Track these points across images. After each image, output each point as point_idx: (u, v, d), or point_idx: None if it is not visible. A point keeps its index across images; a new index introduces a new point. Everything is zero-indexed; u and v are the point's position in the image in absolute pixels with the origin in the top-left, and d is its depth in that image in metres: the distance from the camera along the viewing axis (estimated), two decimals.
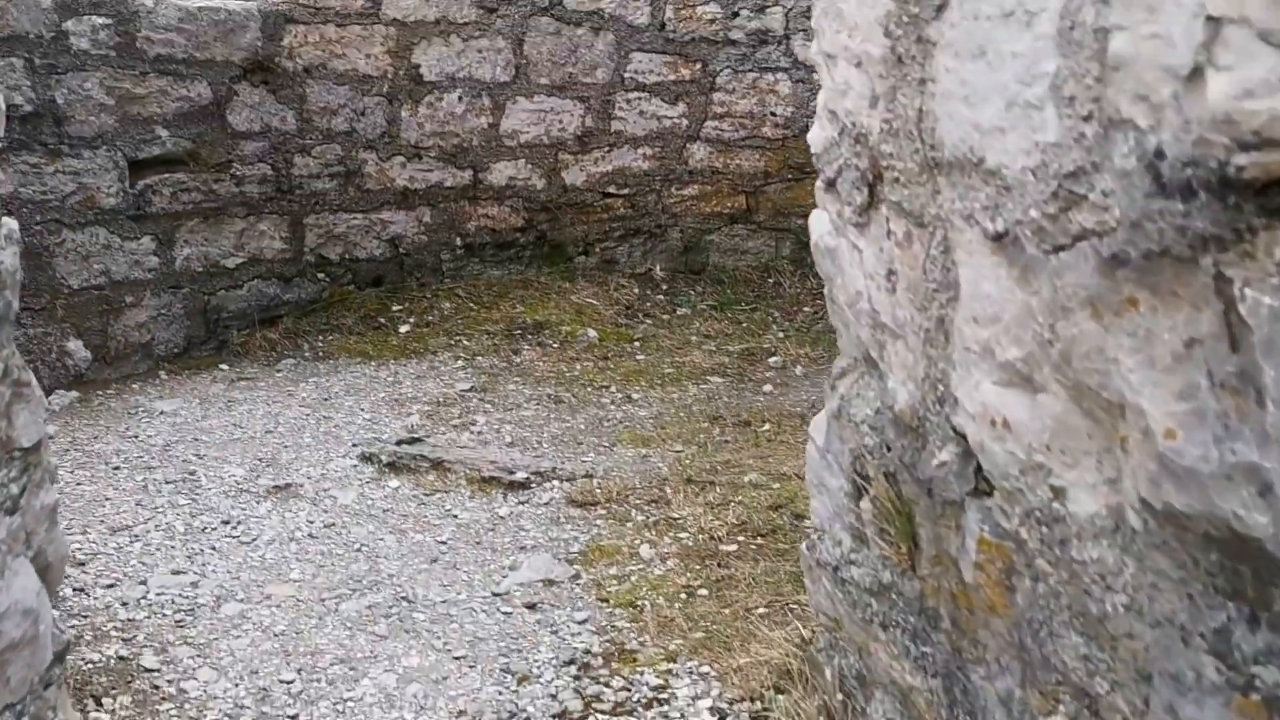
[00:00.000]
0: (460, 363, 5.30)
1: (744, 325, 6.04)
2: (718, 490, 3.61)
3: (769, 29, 6.60)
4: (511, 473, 3.79)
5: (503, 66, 6.24)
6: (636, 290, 6.42)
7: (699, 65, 6.58)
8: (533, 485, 3.74)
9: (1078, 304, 1.21)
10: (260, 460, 4.02)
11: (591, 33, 6.37)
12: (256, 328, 5.58)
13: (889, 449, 1.76)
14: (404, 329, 5.75)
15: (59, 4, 4.71)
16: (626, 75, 6.48)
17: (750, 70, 6.62)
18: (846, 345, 1.98)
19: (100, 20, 4.84)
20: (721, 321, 6.07)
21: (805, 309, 6.33)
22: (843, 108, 1.83)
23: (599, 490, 3.68)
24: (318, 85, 5.74)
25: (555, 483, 3.77)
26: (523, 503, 3.64)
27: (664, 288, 6.56)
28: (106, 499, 3.65)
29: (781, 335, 5.88)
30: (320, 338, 5.63)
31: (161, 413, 4.59)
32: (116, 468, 3.95)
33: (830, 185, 1.93)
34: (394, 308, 5.96)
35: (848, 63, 1.79)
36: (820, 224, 1.98)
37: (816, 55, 1.97)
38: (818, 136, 1.96)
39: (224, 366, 5.27)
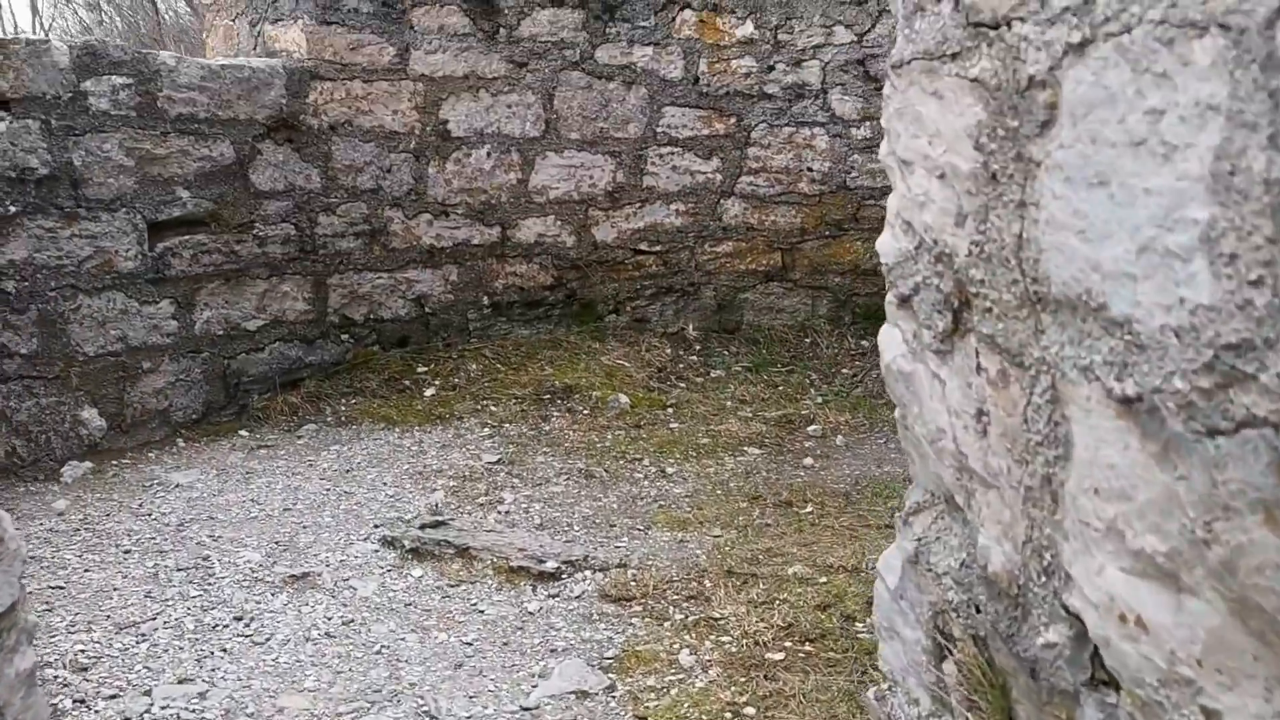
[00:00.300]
0: (487, 430, 5.11)
1: (780, 389, 5.83)
2: (761, 585, 3.38)
3: (805, 83, 6.43)
4: (541, 561, 3.58)
5: (532, 121, 6.09)
6: (669, 351, 6.23)
7: (733, 119, 6.42)
8: (563, 576, 3.53)
9: (1245, 505, 1.00)
10: (277, 543, 3.83)
11: (623, 87, 6.22)
12: (278, 391, 5.42)
13: (979, 610, 1.54)
14: (429, 392, 5.57)
15: (77, 64, 4.58)
16: (659, 130, 6.32)
17: (786, 124, 6.45)
18: (921, 477, 1.77)
19: (120, 80, 4.71)
20: (757, 385, 5.86)
21: (843, 370, 6.12)
22: (921, 220, 1.63)
23: (634, 583, 3.46)
24: (343, 143, 5.60)
25: (587, 573, 3.55)
26: (553, 596, 3.43)
27: (697, 348, 6.36)
28: (115, 589, 3.46)
29: (820, 400, 5.66)
30: (343, 401, 5.46)
31: (177, 485, 4.42)
32: (127, 551, 3.77)
33: (904, 302, 1.73)
34: (419, 369, 5.79)
35: (928, 172, 1.60)
36: (893, 344, 1.78)
37: (887, 157, 1.78)
38: (890, 247, 1.76)
39: (244, 433, 5.10)
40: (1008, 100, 1.39)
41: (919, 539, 1.73)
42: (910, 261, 1.69)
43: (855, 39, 6.41)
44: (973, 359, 1.52)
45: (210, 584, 3.50)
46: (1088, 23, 1.23)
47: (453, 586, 3.49)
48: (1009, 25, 1.38)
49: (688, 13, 6.28)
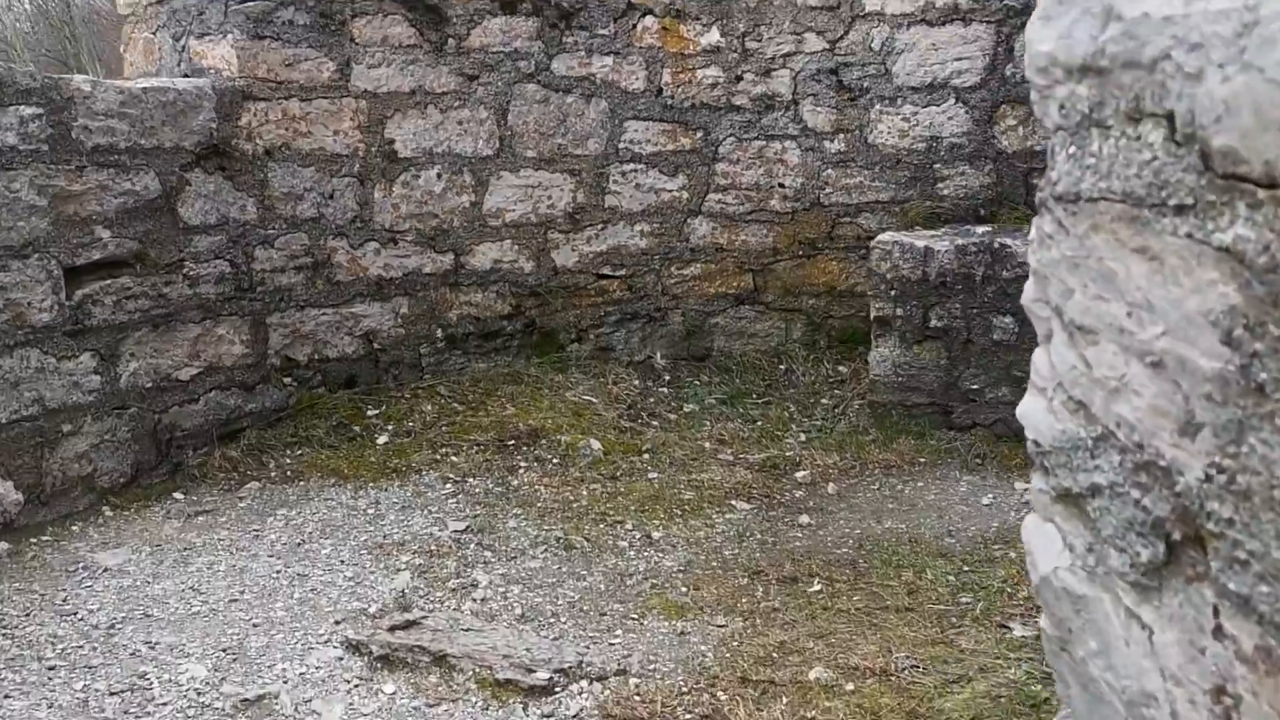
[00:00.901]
0: (449, 487, 4.66)
1: (759, 424, 5.45)
2: (783, 699, 3.00)
3: (776, 94, 6.04)
4: (530, 671, 3.16)
5: (485, 139, 5.64)
6: (637, 383, 5.83)
7: (700, 133, 6.01)
8: (557, 689, 3.11)
9: None
10: (225, 651, 3.37)
11: (582, 100, 5.78)
12: (215, 445, 4.91)
13: None
14: (382, 439, 5.11)
15: None
16: (621, 146, 5.90)
17: (756, 138, 6.06)
18: (1082, 711, 1.39)
19: (29, 110, 4.18)
20: (735, 420, 5.47)
21: (823, 400, 5.75)
22: (1110, 410, 1.24)
23: (638, 698, 3.05)
24: (280, 168, 5.11)
25: (583, 683, 3.14)
26: (547, 717, 3.01)
27: (666, 378, 5.97)
28: None
29: (804, 438, 5.29)
30: (288, 453, 4.98)
31: (105, 570, 3.93)
32: (52, 667, 3.28)
33: (1068, 498, 1.34)
34: (369, 413, 5.32)
35: (1126, 351, 1.21)
36: (1050, 549, 1.39)
37: (1037, 305, 1.38)
38: (1045, 424, 1.37)
39: (178, 495, 4.61)
40: None
41: None
42: (1083, 453, 1.30)
43: (827, 47, 6.03)
44: (1206, 616, 1.14)
45: (149, 714, 3.03)
46: None
47: (431, 707, 3.06)
48: None
49: (649, 19, 5.85)
